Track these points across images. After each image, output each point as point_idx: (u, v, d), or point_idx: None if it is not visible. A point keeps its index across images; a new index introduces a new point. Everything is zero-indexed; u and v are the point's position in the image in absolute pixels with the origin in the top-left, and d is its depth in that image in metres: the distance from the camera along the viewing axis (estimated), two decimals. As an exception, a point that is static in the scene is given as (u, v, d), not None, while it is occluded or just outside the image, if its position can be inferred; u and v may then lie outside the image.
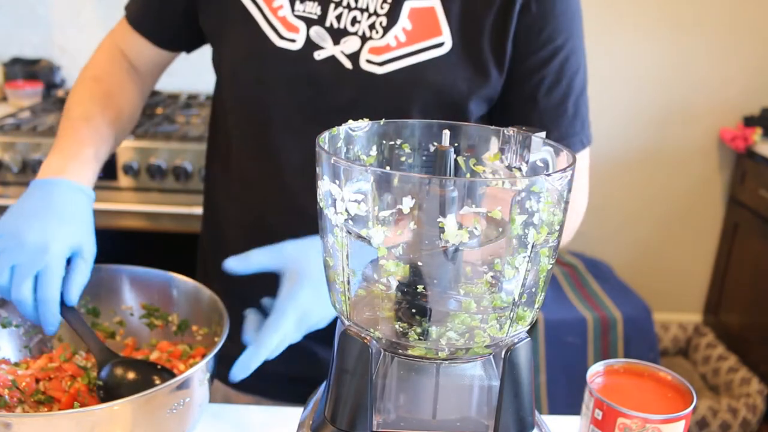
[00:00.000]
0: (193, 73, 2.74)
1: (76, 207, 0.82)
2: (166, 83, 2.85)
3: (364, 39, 0.88)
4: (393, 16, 0.87)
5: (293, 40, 0.89)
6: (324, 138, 0.61)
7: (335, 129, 0.63)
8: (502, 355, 0.58)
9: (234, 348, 0.78)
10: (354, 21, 0.88)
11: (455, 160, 0.64)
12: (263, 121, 0.94)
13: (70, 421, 0.67)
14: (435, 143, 0.66)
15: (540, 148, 0.63)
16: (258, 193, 0.98)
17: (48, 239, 0.76)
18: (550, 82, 0.91)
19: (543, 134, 0.63)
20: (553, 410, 2.31)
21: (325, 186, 0.57)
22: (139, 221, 2.06)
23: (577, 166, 0.99)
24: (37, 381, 0.82)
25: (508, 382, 0.59)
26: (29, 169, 2.03)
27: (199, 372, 0.74)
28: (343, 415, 0.59)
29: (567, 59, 0.92)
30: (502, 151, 0.66)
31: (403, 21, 0.87)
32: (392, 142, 0.67)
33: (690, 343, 2.88)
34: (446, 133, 0.61)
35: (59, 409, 0.79)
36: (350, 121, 0.65)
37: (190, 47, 1.07)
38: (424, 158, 0.67)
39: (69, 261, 0.80)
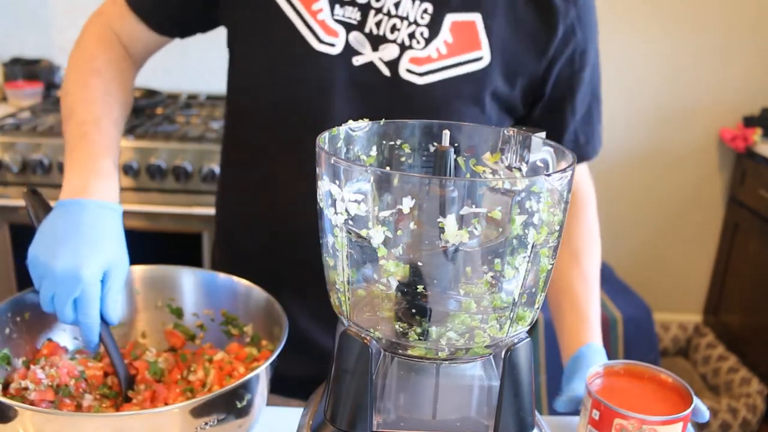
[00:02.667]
0: (193, 73, 2.75)
1: (104, 226, 0.82)
2: (166, 83, 2.86)
3: (403, 47, 0.89)
4: (435, 28, 0.88)
5: (332, 44, 0.89)
6: (324, 138, 0.61)
7: (335, 129, 0.63)
8: (502, 355, 0.58)
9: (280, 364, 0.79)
10: (393, 29, 0.88)
11: (455, 160, 0.64)
12: (296, 123, 0.94)
13: (91, 424, 0.68)
14: (435, 143, 0.66)
15: (540, 148, 0.63)
16: (285, 195, 0.97)
17: (78, 266, 0.76)
18: (583, 96, 0.97)
19: (543, 134, 0.64)
20: (553, 410, 2.31)
21: (325, 186, 0.57)
22: (139, 221, 2.07)
23: (585, 171, 1.04)
24: (106, 375, 0.83)
25: (508, 382, 0.59)
26: (29, 169, 2.03)
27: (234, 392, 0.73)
28: (343, 415, 0.59)
29: (594, 70, 0.97)
30: (502, 151, 0.66)
31: (445, 34, 0.88)
32: (392, 142, 0.67)
33: (690, 343, 2.87)
34: (446, 133, 0.61)
35: (122, 405, 0.80)
36: (350, 121, 0.65)
37: (187, 34, 1.04)
38: (424, 158, 0.67)
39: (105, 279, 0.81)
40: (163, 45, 1.06)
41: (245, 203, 1.05)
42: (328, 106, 0.91)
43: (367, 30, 0.89)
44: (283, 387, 1.00)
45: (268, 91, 0.95)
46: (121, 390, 0.82)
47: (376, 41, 0.89)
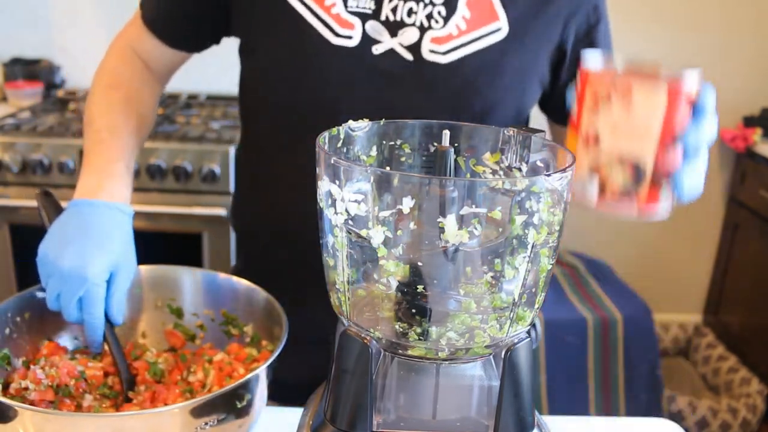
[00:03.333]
0: (194, 73, 2.74)
1: (112, 227, 0.83)
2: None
3: (422, 29, 0.88)
4: (451, 5, 0.88)
5: (349, 37, 0.88)
6: (324, 138, 0.61)
7: (335, 129, 0.63)
8: (502, 355, 0.58)
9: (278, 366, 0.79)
10: (410, 12, 0.88)
11: (455, 160, 0.64)
12: (320, 121, 0.93)
13: (91, 424, 0.68)
14: (435, 143, 0.66)
15: (540, 148, 0.63)
16: (298, 194, 0.97)
17: (84, 265, 0.77)
18: (604, 47, 0.97)
19: (543, 134, 0.64)
20: (553, 410, 2.31)
21: (325, 186, 0.57)
22: (139, 221, 2.05)
23: None
24: (106, 375, 0.83)
25: (508, 382, 0.59)
26: (29, 169, 2.03)
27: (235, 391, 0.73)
28: (343, 415, 0.59)
29: (607, 22, 0.98)
30: (502, 151, 0.66)
31: (462, 9, 0.88)
32: (392, 142, 0.67)
33: (690, 343, 2.87)
34: (446, 133, 0.61)
35: (122, 405, 0.80)
36: (350, 121, 0.65)
37: (203, 48, 1.06)
38: (424, 158, 0.67)
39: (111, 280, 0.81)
40: (181, 61, 1.07)
41: (257, 204, 1.05)
42: (351, 98, 0.90)
43: (383, 17, 0.88)
44: (285, 389, 1.00)
45: (288, 91, 0.94)
46: (121, 390, 0.82)
47: (394, 27, 0.88)
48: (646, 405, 2.37)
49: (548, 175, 0.54)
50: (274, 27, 0.92)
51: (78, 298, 0.78)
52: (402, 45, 0.88)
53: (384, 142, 0.67)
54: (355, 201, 0.54)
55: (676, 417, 2.41)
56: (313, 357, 0.98)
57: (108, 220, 0.83)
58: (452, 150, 0.60)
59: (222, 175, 2.03)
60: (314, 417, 0.64)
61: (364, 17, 0.88)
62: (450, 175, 0.61)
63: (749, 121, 2.71)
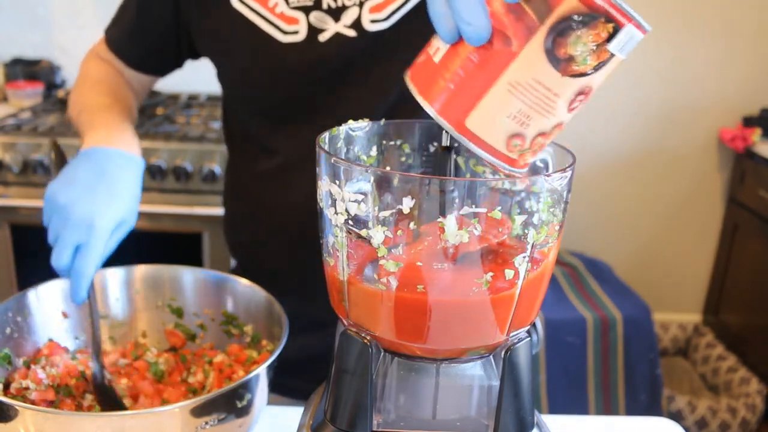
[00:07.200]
0: (193, 73, 2.74)
1: (126, 178, 0.82)
2: (166, 83, 2.85)
3: (361, 4, 0.88)
4: None
5: (296, 32, 0.89)
6: (324, 138, 0.61)
7: (335, 129, 0.64)
8: (502, 355, 0.59)
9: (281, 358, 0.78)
10: None
11: (455, 160, 0.64)
12: (292, 122, 0.94)
13: (91, 424, 0.68)
14: (435, 143, 0.66)
15: (540, 148, 0.63)
16: (284, 192, 0.97)
17: (94, 215, 0.76)
18: None
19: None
20: (553, 410, 2.31)
21: (325, 186, 0.57)
22: (139, 221, 2.06)
23: None
24: None
25: (508, 382, 0.59)
26: (29, 169, 2.03)
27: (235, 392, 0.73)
28: (343, 415, 0.60)
29: None
30: (502, 151, 0.66)
31: None
32: (392, 142, 0.67)
33: (689, 343, 2.88)
34: (446, 133, 0.61)
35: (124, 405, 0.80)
36: (350, 121, 0.65)
37: (165, 70, 1.07)
38: (424, 158, 0.67)
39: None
40: (151, 82, 1.09)
41: (248, 217, 1.05)
42: (312, 92, 0.91)
43: (325, 6, 0.89)
44: (285, 388, 1.00)
45: (257, 100, 0.95)
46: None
47: (337, 13, 0.89)
48: (646, 404, 2.37)
49: (548, 175, 0.54)
50: (230, 40, 0.93)
51: (74, 247, 0.76)
52: (345, 26, 0.88)
53: (384, 142, 0.67)
54: (355, 201, 0.54)
55: (676, 416, 2.41)
56: (314, 345, 0.98)
57: (122, 169, 0.82)
58: (452, 150, 0.60)
59: (222, 175, 2.04)
60: (314, 417, 0.64)
61: (306, 10, 0.89)
62: (450, 175, 0.61)
63: (749, 121, 2.72)
